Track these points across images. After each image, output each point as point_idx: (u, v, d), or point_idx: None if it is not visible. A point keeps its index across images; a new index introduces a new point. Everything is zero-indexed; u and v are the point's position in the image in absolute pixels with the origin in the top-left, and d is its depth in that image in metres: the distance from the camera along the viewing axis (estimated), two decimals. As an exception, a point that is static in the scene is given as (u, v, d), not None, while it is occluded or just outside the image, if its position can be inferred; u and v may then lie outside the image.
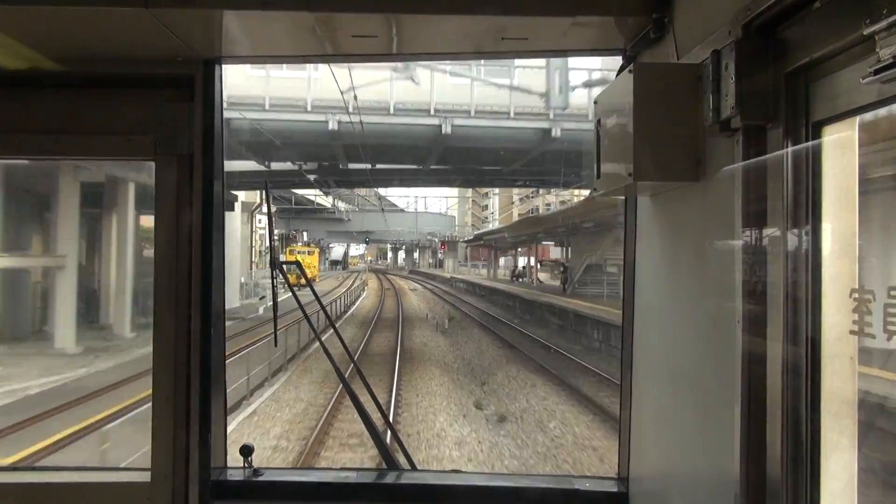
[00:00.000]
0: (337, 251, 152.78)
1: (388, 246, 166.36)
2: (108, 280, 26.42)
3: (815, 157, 1.36)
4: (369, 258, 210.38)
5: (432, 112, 26.60)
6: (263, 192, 42.54)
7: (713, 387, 1.64)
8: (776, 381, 1.40)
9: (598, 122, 2.01)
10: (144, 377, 14.15)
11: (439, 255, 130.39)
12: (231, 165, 25.81)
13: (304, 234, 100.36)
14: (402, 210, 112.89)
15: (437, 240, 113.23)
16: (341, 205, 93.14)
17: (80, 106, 2.29)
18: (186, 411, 2.26)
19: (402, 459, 2.59)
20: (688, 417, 1.83)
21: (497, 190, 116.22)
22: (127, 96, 2.30)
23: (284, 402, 15.79)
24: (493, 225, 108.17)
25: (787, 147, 1.39)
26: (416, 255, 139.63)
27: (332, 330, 2.95)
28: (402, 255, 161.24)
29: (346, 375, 2.82)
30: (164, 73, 2.28)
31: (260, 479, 2.37)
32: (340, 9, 1.96)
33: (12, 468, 2.57)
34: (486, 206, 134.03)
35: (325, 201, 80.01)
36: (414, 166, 35.41)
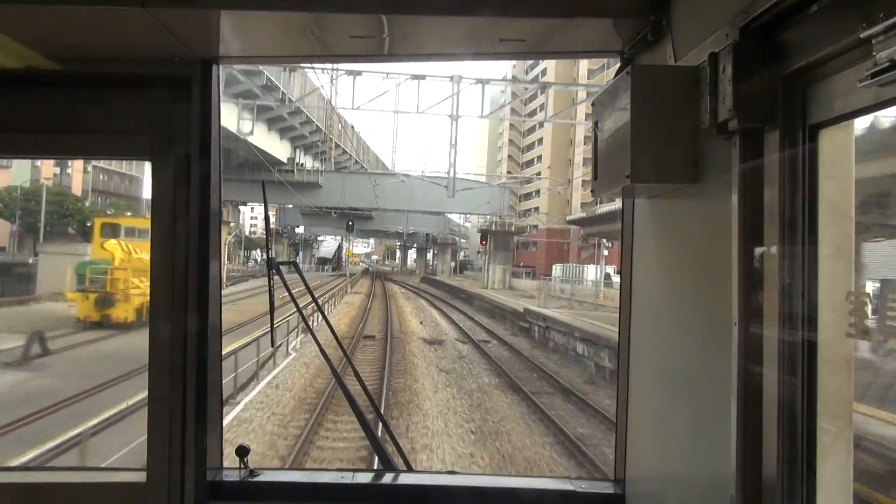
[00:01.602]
0: (329, 246, 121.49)
1: (397, 243, 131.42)
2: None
3: (812, 159, 1.36)
4: (375, 257, 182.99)
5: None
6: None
7: (709, 388, 1.64)
8: (772, 383, 1.41)
9: (596, 123, 2.01)
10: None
11: (461, 256, 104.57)
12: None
13: (244, 209, 71.85)
14: (402, 177, 58.47)
15: (463, 232, 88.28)
16: (309, 163, 57.64)
17: (77, 105, 2.28)
18: (182, 412, 2.26)
19: (398, 461, 2.59)
20: (684, 419, 1.83)
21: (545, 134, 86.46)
22: (124, 96, 2.29)
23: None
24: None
25: (783, 150, 1.39)
26: (430, 255, 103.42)
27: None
28: (412, 254, 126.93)
29: (340, 372, 2.82)
30: (161, 73, 2.27)
31: (256, 479, 2.37)
32: (338, 9, 1.95)
33: (8, 468, 2.56)
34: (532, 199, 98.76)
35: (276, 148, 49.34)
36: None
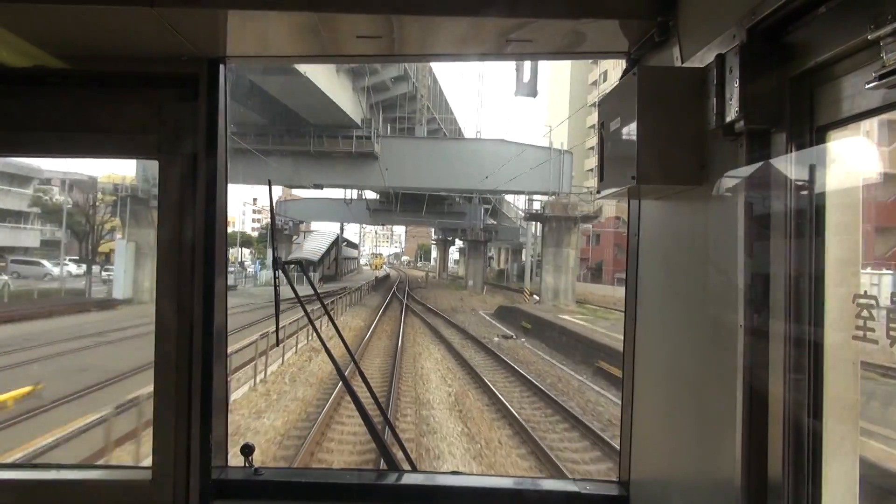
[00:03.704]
0: (319, 239, 73.64)
1: (433, 238, 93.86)
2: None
3: (819, 161, 1.36)
4: (406, 258, 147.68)
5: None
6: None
7: (715, 391, 1.63)
8: (778, 386, 1.40)
9: (602, 124, 2.01)
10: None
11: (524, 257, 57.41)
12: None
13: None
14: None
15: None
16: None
17: (84, 104, 2.30)
18: (188, 410, 2.27)
19: (402, 461, 2.59)
20: (689, 421, 1.82)
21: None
22: (131, 95, 2.31)
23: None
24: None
25: (791, 151, 1.39)
26: (488, 252, 67.01)
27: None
28: (453, 253, 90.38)
29: (347, 375, 2.82)
30: (168, 73, 2.28)
31: (260, 478, 2.38)
32: (345, 9, 1.96)
33: (13, 465, 2.58)
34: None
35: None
36: None
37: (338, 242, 75.67)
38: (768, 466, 1.42)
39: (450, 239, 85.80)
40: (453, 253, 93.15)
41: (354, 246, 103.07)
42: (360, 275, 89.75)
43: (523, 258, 59.65)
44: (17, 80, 2.26)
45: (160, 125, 2.27)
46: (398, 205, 50.31)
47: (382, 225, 76.55)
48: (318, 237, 75.98)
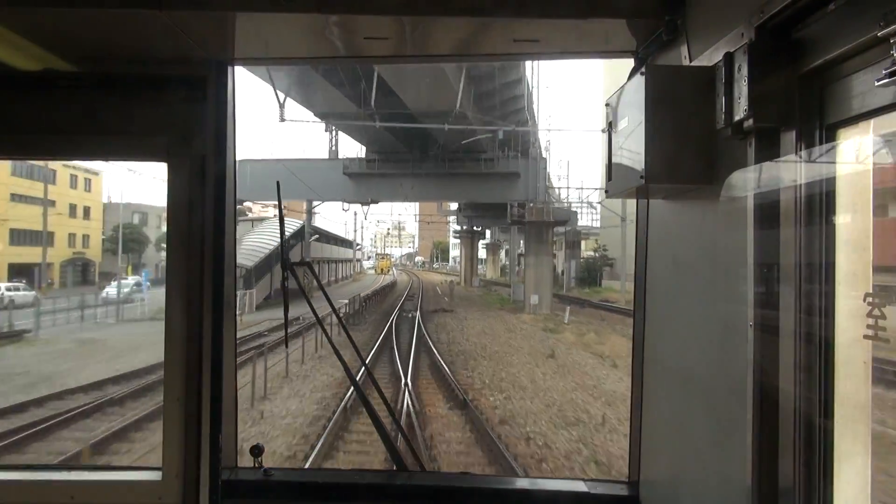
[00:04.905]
0: (265, 233, 38.81)
1: (452, 230, 71.82)
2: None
3: (829, 160, 1.35)
4: (419, 259, 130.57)
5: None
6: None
7: (725, 391, 1.62)
8: (789, 386, 1.39)
9: (610, 124, 2.01)
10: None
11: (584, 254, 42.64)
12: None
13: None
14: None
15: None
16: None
17: (93, 107, 2.31)
18: (198, 411, 2.28)
19: (411, 461, 2.59)
20: (699, 421, 1.81)
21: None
22: (140, 97, 2.32)
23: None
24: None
25: (800, 150, 1.38)
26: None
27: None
28: (489, 252, 70.24)
29: (358, 378, 2.82)
30: (177, 75, 2.30)
31: (270, 479, 2.39)
32: (352, 11, 1.96)
33: (25, 467, 2.61)
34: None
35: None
36: None
37: (302, 236, 42.50)
38: (779, 466, 1.41)
39: (477, 229, 58.62)
40: (479, 250, 67.61)
41: (346, 243, 70.81)
42: (356, 283, 62.33)
43: (583, 252, 38.45)
44: (26, 84, 2.28)
45: (169, 127, 2.29)
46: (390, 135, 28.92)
47: (374, 201, 40.95)
48: (266, 228, 42.95)
